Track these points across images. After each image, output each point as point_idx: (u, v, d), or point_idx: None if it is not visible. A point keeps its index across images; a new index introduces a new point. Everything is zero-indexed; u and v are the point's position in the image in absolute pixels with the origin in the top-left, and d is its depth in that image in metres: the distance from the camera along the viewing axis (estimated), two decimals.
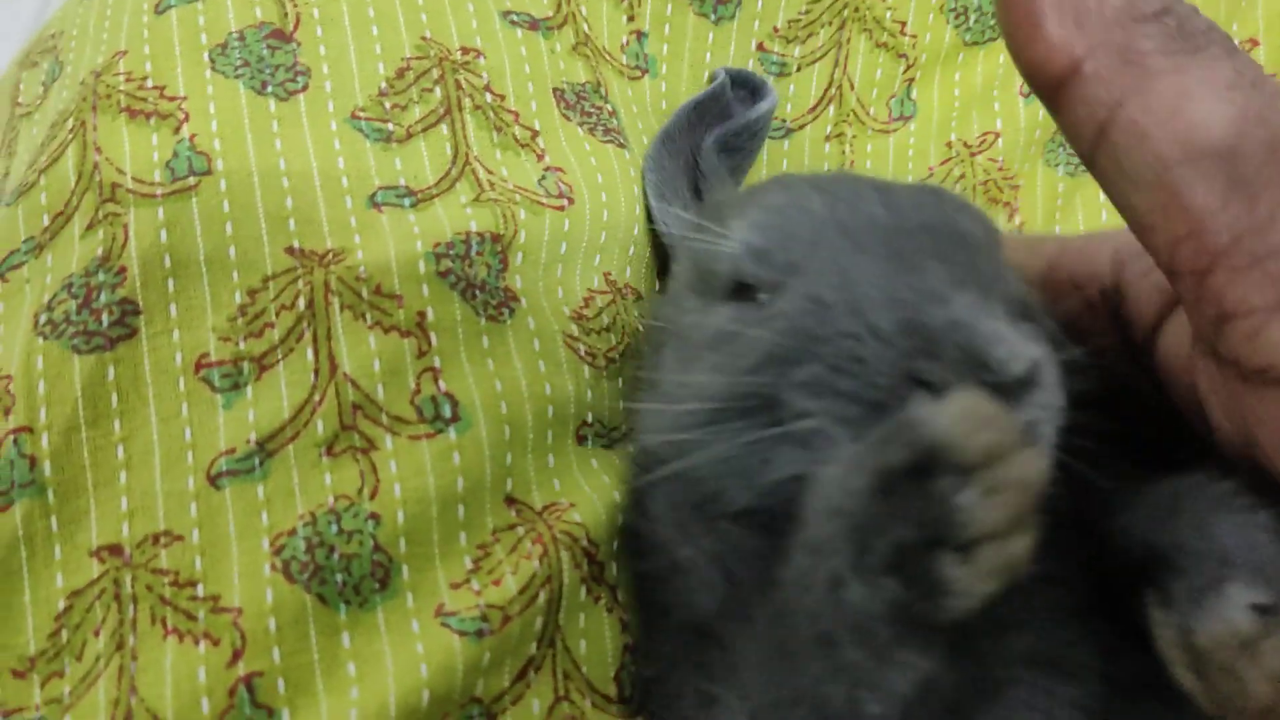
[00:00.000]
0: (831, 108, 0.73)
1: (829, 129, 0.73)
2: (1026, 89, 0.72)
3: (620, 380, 0.54)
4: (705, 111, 0.64)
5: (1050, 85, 0.34)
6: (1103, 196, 0.70)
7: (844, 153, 0.72)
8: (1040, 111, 0.73)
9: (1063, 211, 0.76)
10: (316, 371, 0.45)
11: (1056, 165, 0.77)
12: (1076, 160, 0.73)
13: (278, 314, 0.46)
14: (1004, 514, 0.31)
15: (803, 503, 0.36)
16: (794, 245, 0.42)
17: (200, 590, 0.41)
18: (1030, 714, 0.38)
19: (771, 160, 0.71)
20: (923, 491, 0.32)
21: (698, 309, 0.46)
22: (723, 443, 0.40)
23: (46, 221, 0.47)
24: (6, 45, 0.74)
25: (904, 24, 0.74)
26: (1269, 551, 0.34)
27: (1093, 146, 0.34)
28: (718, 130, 0.64)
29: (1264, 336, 0.31)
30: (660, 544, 0.45)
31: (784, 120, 0.72)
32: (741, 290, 0.44)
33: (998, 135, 0.74)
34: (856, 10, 0.73)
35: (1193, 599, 0.34)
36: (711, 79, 0.68)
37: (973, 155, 0.74)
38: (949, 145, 0.74)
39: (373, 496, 0.43)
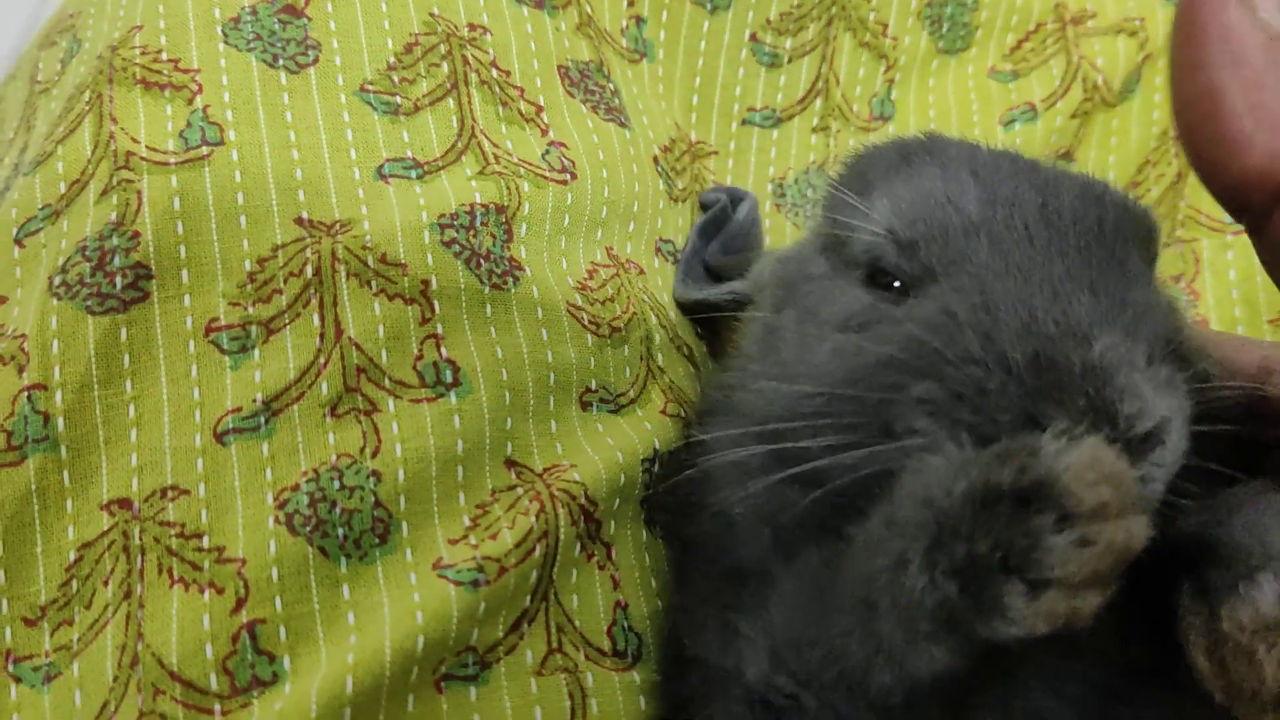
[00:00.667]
0: (819, 100, 0.75)
1: (815, 121, 0.74)
2: (1008, 118, 0.73)
3: (625, 349, 0.56)
4: (708, 226, 0.65)
5: (1265, 204, 0.30)
6: None
7: (829, 145, 0.74)
8: (1017, 140, 0.74)
9: None
10: (322, 336, 0.46)
11: None
12: None
13: (286, 281, 0.47)
14: (1088, 569, 0.32)
15: (895, 483, 0.36)
16: (940, 244, 0.40)
17: (206, 542, 0.42)
18: (1041, 689, 0.39)
19: (760, 148, 0.73)
20: (1020, 518, 0.32)
21: (829, 280, 0.45)
22: (831, 440, 0.39)
23: (63, 189, 0.48)
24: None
25: (886, 26, 0.76)
26: None
27: None
28: (719, 239, 0.64)
29: None
30: (713, 499, 0.46)
31: (774, 109, 0.74)
32: (879, 276, 0.42)
33: None
34: (843, 9, 0.75)
35: (1228, 585, 0.35)
36: (704, 204, 0.68)
37: None
38: None
39: (374, 455, 0.45)
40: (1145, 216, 0.43)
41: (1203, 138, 0.30)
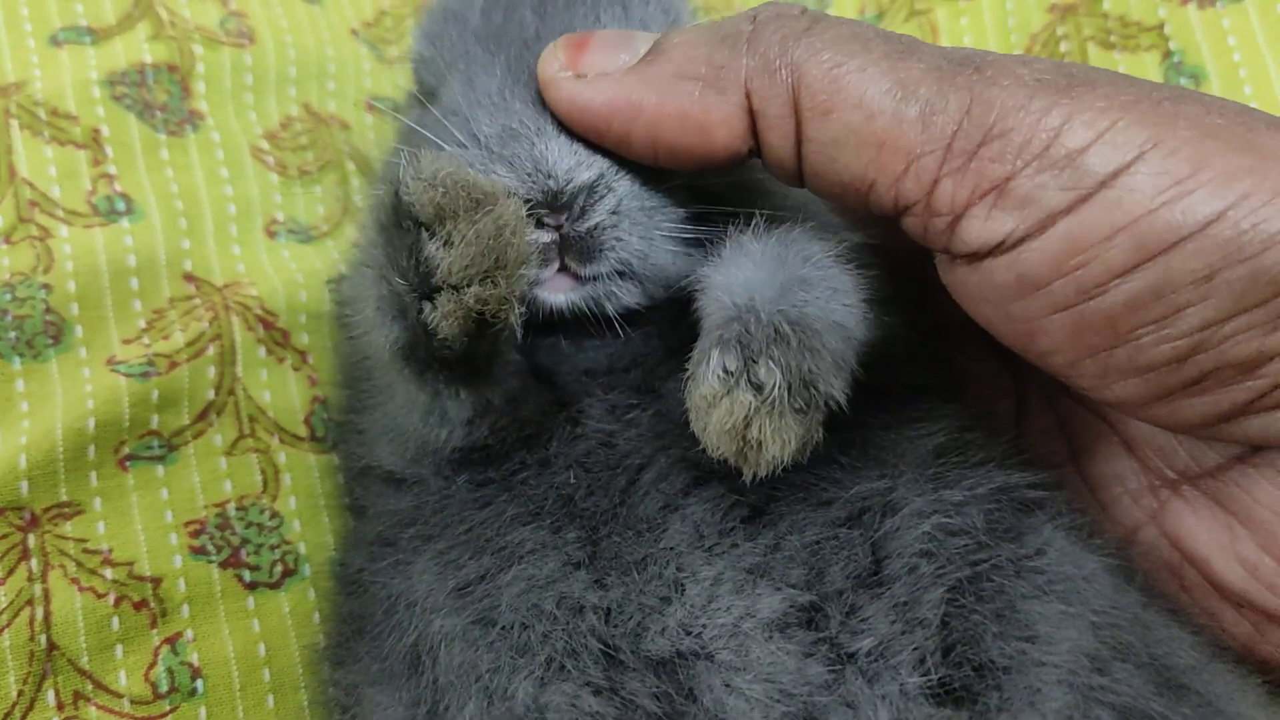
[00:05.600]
0: None
1: None
2: None
3: (319, 188, 0.61)
4: None
5: (729, 158, 0.38)
6: None
7: None
8: None
9: None
10: None
11: None
12: None
13: None
14: (460, 264, 0.35)
15: None
16: (448, 51, 0.45)
17: None
18: (604, 420, 0.42)
19: None
20: (403, 244, 0.36)
21: (410, 106, 0.49)
22: None
23: None
24: None
25: None
26: (760, 312, 0.37)
27: (796, 157, 0.37)
28: None
29: (992, 217, 0.35)
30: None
31: None
32: (425, 93, 0.46)
33: None
34: None
35: (695, 361, 0.37)
36: None
37: None
38: None
39: (46, 271, 0.49)
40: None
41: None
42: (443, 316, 0.35)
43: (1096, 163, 0.33)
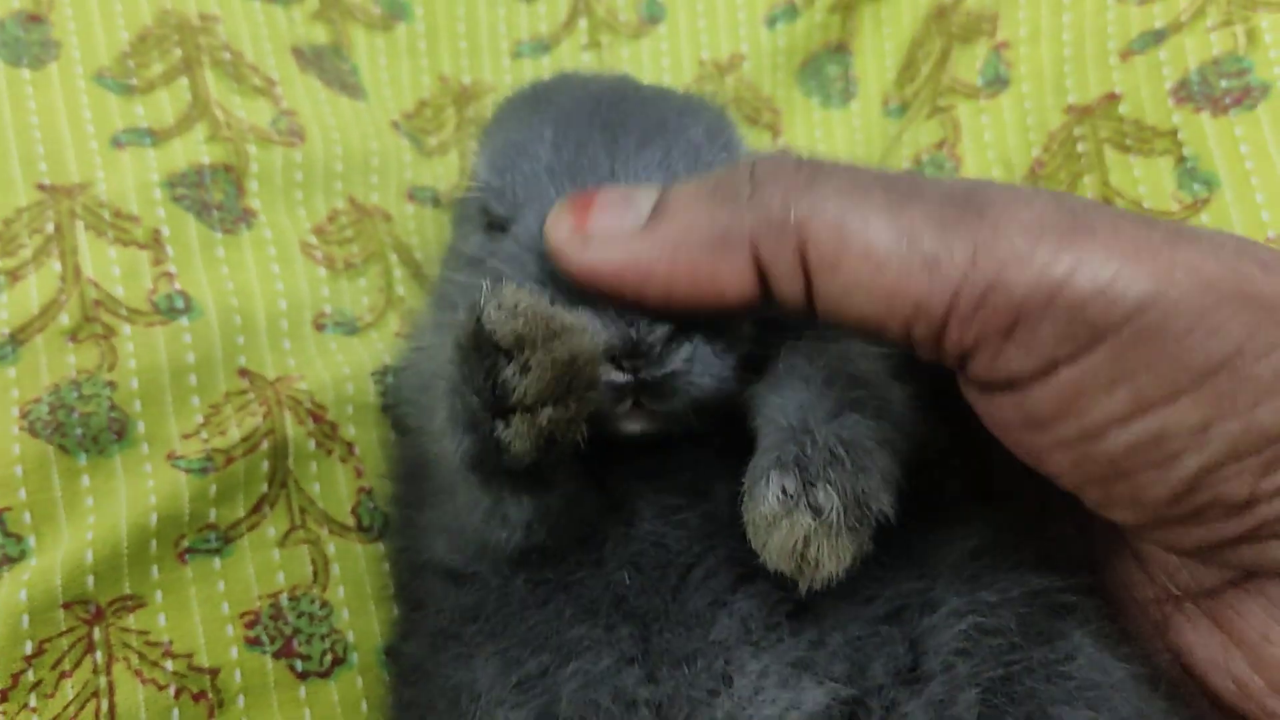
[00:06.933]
0: (583, 20, 0.78)
1: (584, 39, 0.79)
2: (770, 17, 0.80)
3: (363, 280, 0.63)
4: None
5: (743, 307, 0.39)
6: (859, 124, 0.76)
7: (602, 60, 0.77)
8: (781, 40, 0.80)
9: (823, 140, 0.83)
10: (63, 279, 0.54)
11: (811, 95, 0.85)
12: (831, 92, 0.80)
13: (30, 236, 0.54)
14: (535, 388, 0.37)
15: None
16: (521, 185, 0.46)
17: None
18: (656, 519, 0.44)
19: (536, 74, 0.76)
20: (481, 366, 0.38)
21: (472, 232, 0.51)
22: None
23: None
24: None
25: None
26: (815, 435, 0.39)
27: (808, 303, 0.38)
28: None
29: (999, 359, 0.36)
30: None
31: (541, 38, 0.79)
32: (491, 222, 0.49)
33: (744, 58, 0.81)
34: None
35: (751, 481, 0.39)
36: None
37: (723, 75, 0.81)
38: (701, 64, 0.80)
39: (110, 369, 0.52)
40: (725, 127, 0.50)
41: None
42: (515, 435, 0.38)
43: (1096, 316, 0.34)
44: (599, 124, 0.47)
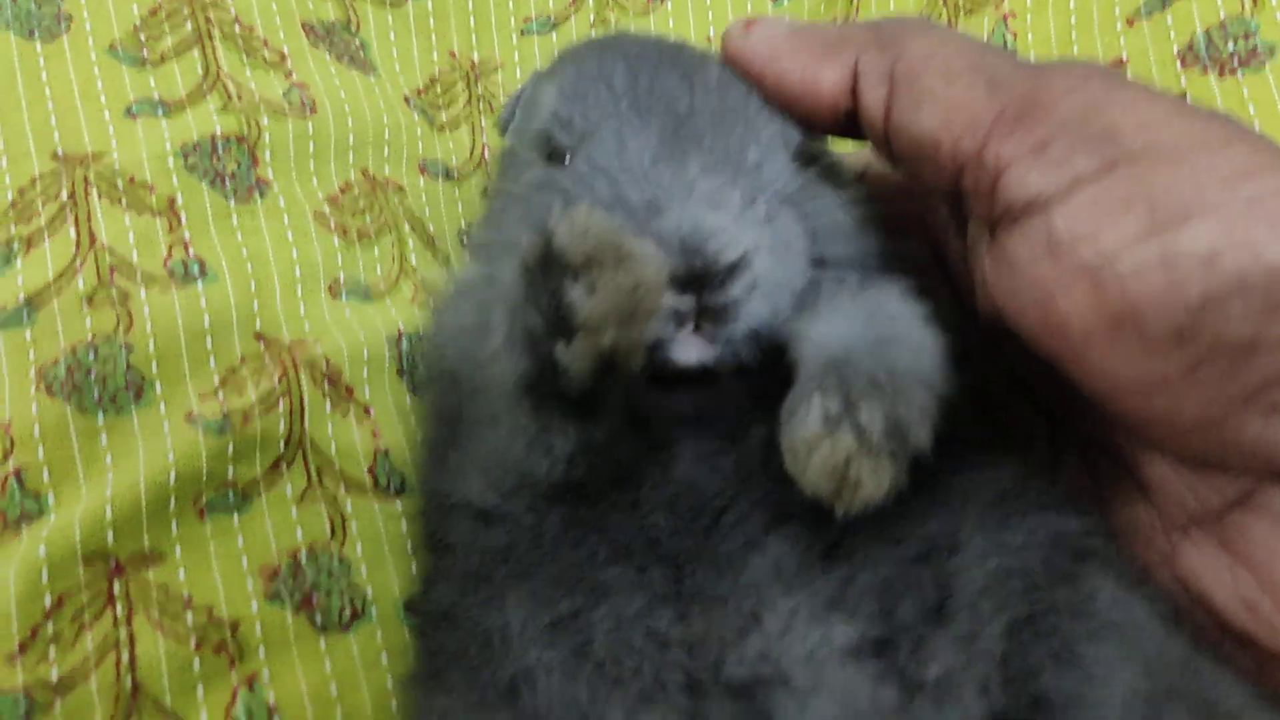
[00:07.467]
0: None
1: (592, 17, 0.80)
2: None
3: (376, 250, 0.64)
4: None
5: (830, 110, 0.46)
6: None
7: None
8: (787, 15, 0.79)
9: None
10: (78, 245, 0.54)
11: None
12: None
13: (44, 205, 0.55)
14: (601, 309, 0.37)
15: None
16: (591, 114, 0.47)
17: None
18: (693, 462, 0.45)
19: (543, 54, 0.77)
20: (547, 286, 0.39)
21: (525, 165, 0.51)
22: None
23: None
24: None
25: None
26: (857, 363, 0.40)
27: (884, 116, 0.44)
28: None
29: (1029, 175, 0.39)
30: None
31: (549, 15, 0.80)
32: (552, 153, 0.49)
33: None
34: None
35: (790, 408, 0.40)
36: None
37: None
38: (708, 40, 0.80)
39: (127, 332, 0.52)
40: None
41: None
42: (576, 356, 0.38)
43: (1128, 140, 0.38)
44: (670, 62, 0.48)
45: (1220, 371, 0.37)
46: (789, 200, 0.46)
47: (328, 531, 0.52)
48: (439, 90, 0.75)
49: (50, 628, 0.44)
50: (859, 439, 0.38)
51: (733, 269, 0.42)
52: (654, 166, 0.44)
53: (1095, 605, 0.40)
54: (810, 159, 0.48)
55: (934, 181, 0.44)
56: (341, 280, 0.60)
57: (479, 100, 0.78)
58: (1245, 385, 0.37)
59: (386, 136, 0.68)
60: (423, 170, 0.70)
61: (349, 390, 0.57)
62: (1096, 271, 0.38)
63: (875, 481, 0.38)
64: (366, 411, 0.57)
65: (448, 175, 0.72)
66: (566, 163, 0.47)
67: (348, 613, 0.51)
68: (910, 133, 0.43)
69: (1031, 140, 0.39)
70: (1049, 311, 0.40)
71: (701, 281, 0.42)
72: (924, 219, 0.55)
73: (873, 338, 0.41)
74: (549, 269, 0.39)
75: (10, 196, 0.54)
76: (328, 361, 0.56)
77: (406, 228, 0.66)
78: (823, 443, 0.38)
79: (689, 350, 0.43)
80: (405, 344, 0.60)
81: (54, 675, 0.44)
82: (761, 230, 0.43)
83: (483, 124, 0.78)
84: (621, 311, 0.38)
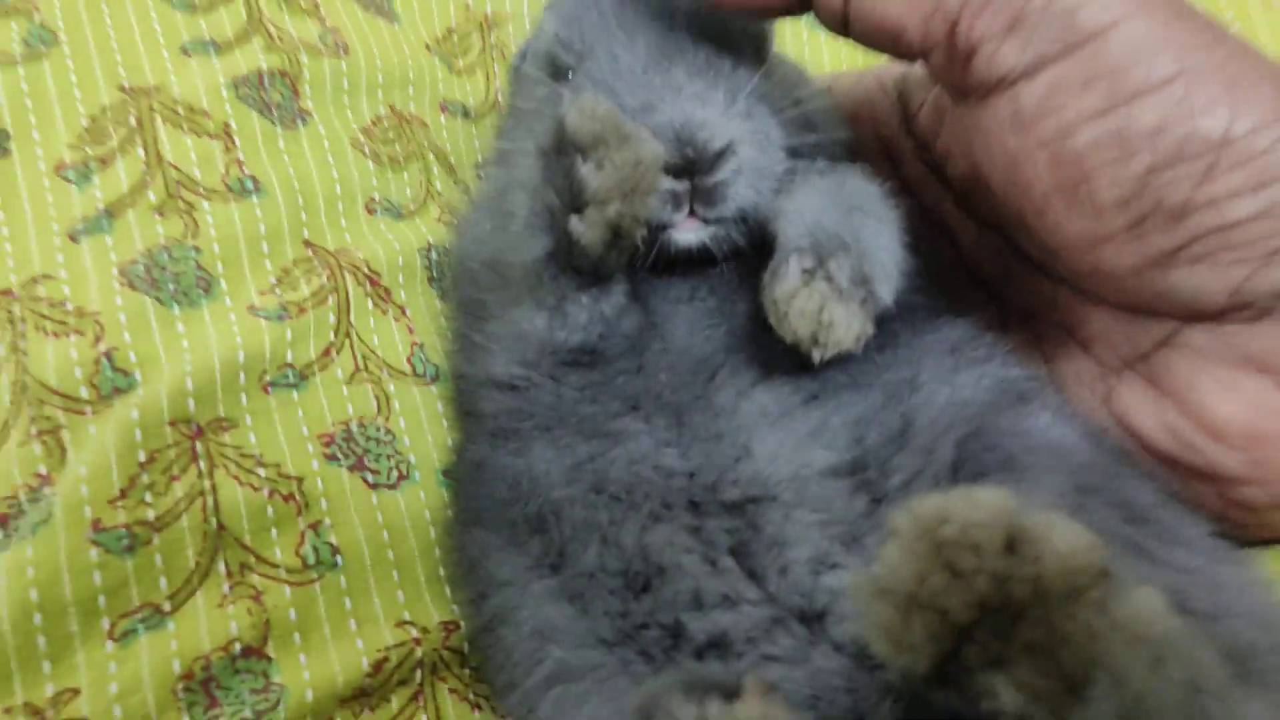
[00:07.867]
0: None
1: None
2: None
3: (406, 175, 0.71)
4: None
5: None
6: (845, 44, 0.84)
7: None
8: None
9: (811, 59, 0.91)
10: (146, 164, 0.61)
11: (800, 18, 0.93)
12: None
13: (115, 129, 0.62)
14: (608, 182, 0.45)
15: None
16: (587, 35, 0.54)
17: (69, 305, 0.56)
18: (689, 335, 0.52)
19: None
20: (561, 165, 0.46)
21: (534, 84, 0.59)
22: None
23: None
24: None
25: None
26: (827, 229, 0.47)
27: (844, 3, 0.47)
28: None
29: (998, 55, 0.44)
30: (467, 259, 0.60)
31: None
32: (557, 71, 0.56)
33: None
34: None
35: (772, 270, 0.48)
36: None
37: None
38: None
39: (194, 237, 0.59)
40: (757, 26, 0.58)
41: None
42: (587, 227, 0.45)
43: (1087, 20, 0.42)
44: None
45: (1156, 228, 0.44)
46: (764, 98, 0.53)
47: (374, 407, 0.59)
48: (456, 39, 0.83)
49: (145, 477, 0.52)
50: (830, 286, 0.45)
51: (720, 155, 0.49)
52: (645, 75, 0.51)
53: (1033, 426, 0.48)
54: (779, 62, 0.56)
55: (897, 59, 0.49)
56: (376, 199, 0.68)
57: (491, 49, 0.85)
58: (1176, 240, 0.44)
59: (411, 77, 0.76)
60: (443, 109, 0.77)
61: (387, 291, 0.64)
62: (1057, 144, 0.44)
63: (846, 324, 0.46)
64: (403, 311, 0.65)
65: (465, 114, 0.79)
66: (570, 79, 0.54)
67: (395, 474, 0.58)
68: (872, 20, 0.47)
69: (999, 22, 0.43)
70: (1015, 177, 0.47)
71: (694, 167, 0.49)
72: (875, 120, 0.62)
73: (841, 210, 0.49)
74: (562, 149, 0.46)
75: (85, 123, 0.62)
76: (368, 265, 0.63)
77: (431, 157, 0.73)
78: (800, 292, 0.46)
79: (688, 234, 0.51)
80: (434, 254, 0.68)
81: (151, 515, 0.51)
82: (743, 124, 0.51)
83: (495, 70, 0.85)
84: (625, 185, 0.45)
